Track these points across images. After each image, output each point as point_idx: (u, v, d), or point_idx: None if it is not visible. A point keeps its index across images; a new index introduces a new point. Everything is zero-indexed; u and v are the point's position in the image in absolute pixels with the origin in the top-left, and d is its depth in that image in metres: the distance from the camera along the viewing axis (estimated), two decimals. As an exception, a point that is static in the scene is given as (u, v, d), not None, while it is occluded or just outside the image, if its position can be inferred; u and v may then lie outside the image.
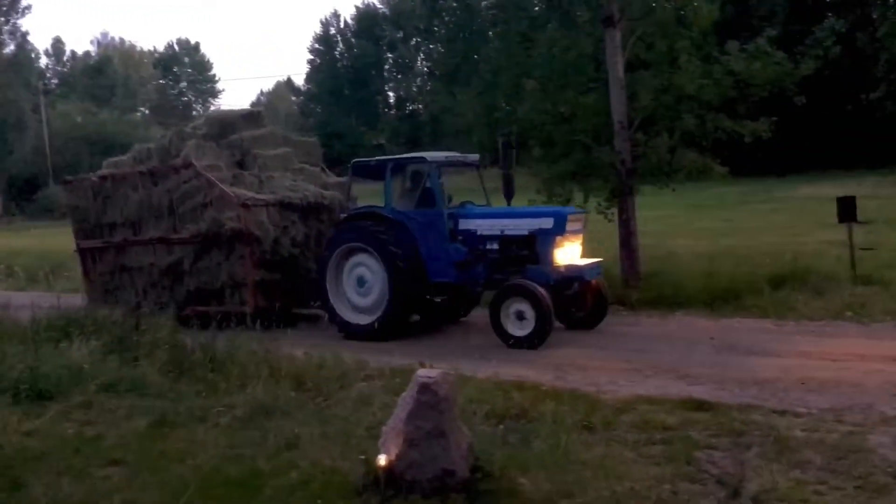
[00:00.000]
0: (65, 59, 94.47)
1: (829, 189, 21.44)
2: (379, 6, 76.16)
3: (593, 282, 10.89)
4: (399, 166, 11.92)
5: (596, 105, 13.92)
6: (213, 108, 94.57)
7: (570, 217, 10.79)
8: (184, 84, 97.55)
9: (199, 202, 12.64)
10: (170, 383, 7.89)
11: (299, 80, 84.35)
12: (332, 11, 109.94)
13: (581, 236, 11.03)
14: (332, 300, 11.63)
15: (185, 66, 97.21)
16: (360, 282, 11.45)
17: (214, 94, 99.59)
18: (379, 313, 11.14)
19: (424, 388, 4.94)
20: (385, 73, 75.92)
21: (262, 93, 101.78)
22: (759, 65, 12.93)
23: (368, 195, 12.95)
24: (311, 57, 77.27)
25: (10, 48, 67.54)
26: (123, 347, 8.82)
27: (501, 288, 10.40)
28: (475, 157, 12.66)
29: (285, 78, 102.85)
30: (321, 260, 11.90)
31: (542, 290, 9.97)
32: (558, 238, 10.51)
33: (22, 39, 69.96)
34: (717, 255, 14.61)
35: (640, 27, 13.81)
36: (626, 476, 5.19)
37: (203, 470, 5.53)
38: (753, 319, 11.09)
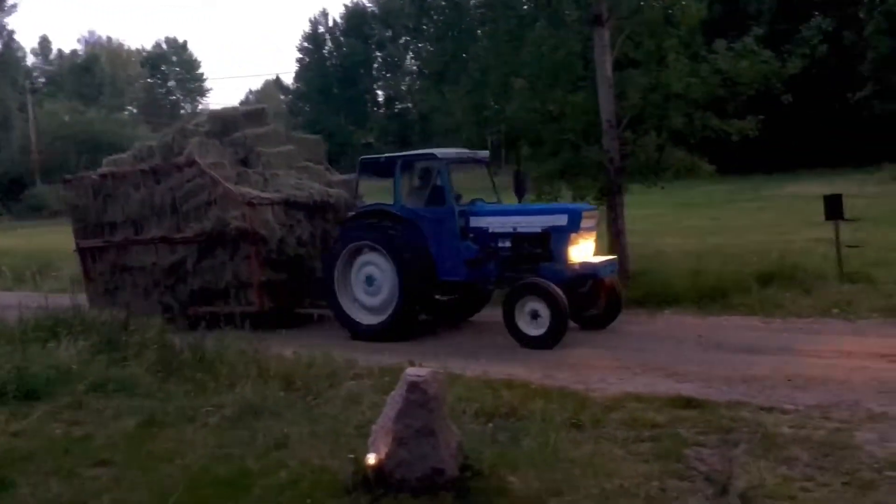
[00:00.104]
0: (52, 57, 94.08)
1: (816, 187, 21.54)
2: (368, 5, 76.11)
3: (606, 280, 10.74)
4: (408, 163, 11.73)
5: (584, 104, 13.96)
6: (201, 107, 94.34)
7: (584, 214, 10.63)
8: (172, 83, 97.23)
9: (202, 201, 12.43)
10: (158, 383, 7.87)
11: (288, 79, 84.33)
12: (321, 10, 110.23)
13: (594, 233, 10.92)
14: (339, 300, 11.45)
15: (173, 65, 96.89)
16: (369, 281, 11.26)
17: (202, 92, 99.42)
18: (389, 313, 10.99)
19: (414, 386, 4.94)
20: (374, 72, 75.80)
21: (250, 92, 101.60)
22: (746, 63, 12.99)
23: (372, 193, 12.74)
24: (300, 55, 77.18)
25: (-3, 47, 67.20)
26: (112, 347, 8.79)
27: (515, 286, 10.22)
28: (485, 153, 12.44)
29: (274, 77, 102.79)
30: (328, 259, 11.72)
31: (557, 289, 9.81)
32: (572, 235, 10.37)
33: (8, 38, 69.80)
34: (705, 253, 14.67)
35: (628, 26, 13.85)
36: (615, 473, 5.21)
37: (192, 470, 5.52)
38: (741, 317, 11.13)
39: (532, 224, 10.69)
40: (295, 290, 12.51)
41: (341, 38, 75.24)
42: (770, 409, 6.62)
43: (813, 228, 15.52)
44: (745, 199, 27.88)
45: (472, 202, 11.59)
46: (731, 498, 4.80)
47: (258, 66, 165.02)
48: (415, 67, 73.83)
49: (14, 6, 68.39)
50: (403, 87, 74.40)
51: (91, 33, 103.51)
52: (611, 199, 13.57)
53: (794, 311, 11.10)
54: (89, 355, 8.40)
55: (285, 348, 8.93)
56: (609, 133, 13.46)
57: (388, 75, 76.01)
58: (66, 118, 66.04)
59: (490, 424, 6.22)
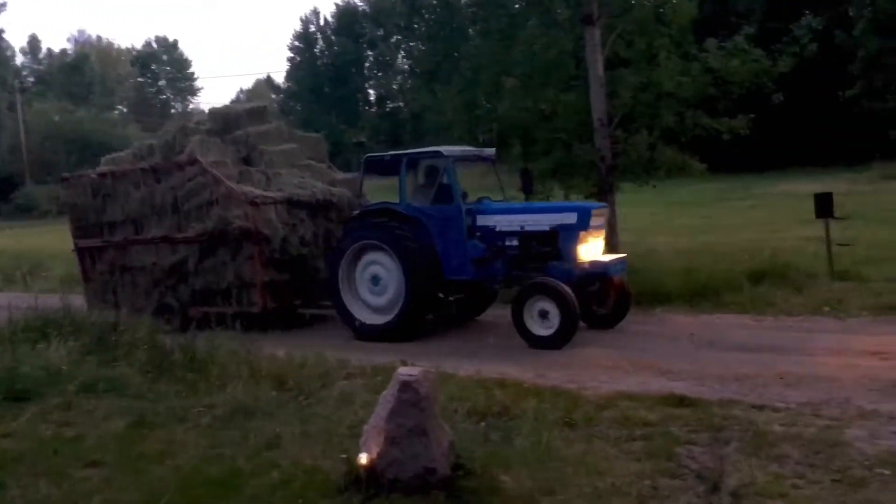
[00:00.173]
0: (41, 56, 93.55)
1: (807, 185, 21.62)
2: (359, 4, 75.95)
3: (615, 278, 10.60)
4: (414, 161, 11.56)
5: (576, 103, 14.00)
6: (191, 106, 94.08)
7: (593, 212, 10.50)
8: (162, 82, 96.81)
9: (204, 200, 12.25)
10: (149, 384, 7.82)
11: (279, 78, 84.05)
12: (312, 9, 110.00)
13: (604, 231, 10.80)
14: (344, 300, 11.30)
15: (164, 64, 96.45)
16: (375, 280, 11.10)
17: (193, 92, 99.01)
18: (395, 313, 10.85)
19: (406, 386, 4.94)
20: (365, 71, 75.64)
21: (241, 91, 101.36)
22: (736, 62, 13.06)
23: (373, 192, 12.62)
24: (291, 54, 77.02)
25: (-14, 46, 66.87)
26: (102, 348, 8.74)
27: (524, 286, 10.10)
28: (491, 151, 12.20)
29: (265, 76, 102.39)
30: (332, 258, 11.57)
31: (566, 288, 9.69)
32: (582, 233, 10.22)
33: (-3, 37, 69.28)
34: (697, 251, 14.72)
35: (619, 25, 13.90)
36: (607, 472, 5.21)
37: (183, 470, 5.50)
38: (733, 315, 11.17)
39: (540, 222, 10.55)
40: (298, 291, 12.36)
41: (332, 37, 75.08)
42: (761, 407, 6.64)
43: (804, 226, 15.60)
44: (737, 197, 27.97)
45: (479, 200, 11.43)
46: (723, 496, 4.81)
47: (249, 66, 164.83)
48: (406, 66, 73.72)
49: (3, 5, 68.42)
50: (395, 86, 74.29)
51: (81, 32, 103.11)
52: (603, 198, 13.59)
53: (785, 309, 11.14)
54: (79, 356, 8.35)
55: (277, 348, 8.91)
56: (601, 132, 13.48)
57: (379, 74, 75.90)
58: (56, 118, 65.74)
59: (482, 423, 6.22)
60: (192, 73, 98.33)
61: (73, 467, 5.73)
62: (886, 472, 5.12)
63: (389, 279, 10.95)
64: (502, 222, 10.80)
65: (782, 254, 13.68)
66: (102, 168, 14.22)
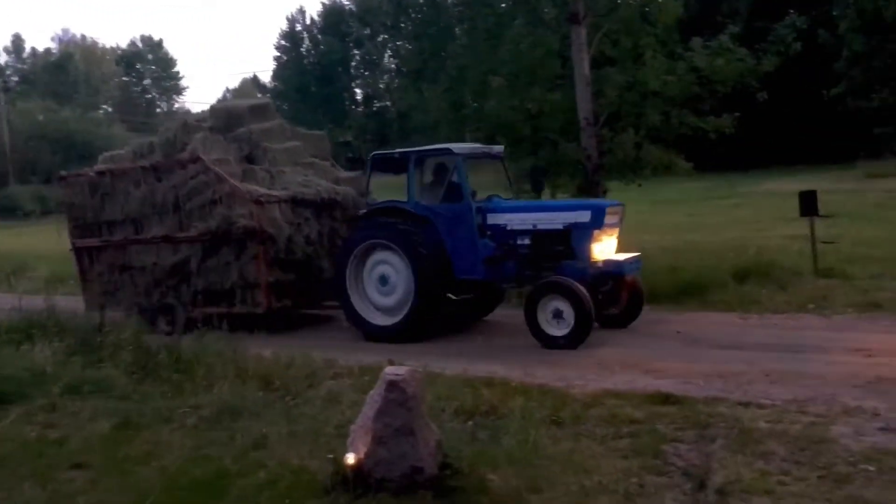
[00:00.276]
0: (25, 56, 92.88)
1: (792, 184, 21.76)
2: (345, 3, 75.75)
3: (628, 277, 10.43)
4: (422, 159, 11.35)
5: (562, 102, 14.04)
6: (177, 105, 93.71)
7: (608, 210, 10.28)
8: (147, 81, 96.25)
9: (207, 198, 12.00)
10: (134, 385, 7.77)
11: (266, 77, 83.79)
12: (298, 8, 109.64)
13: (618, 230, 10.63)
14: (352, 300, 11.13)
15: (149, 64, 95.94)
16: (383, 280, 10.92)
17: (179, 91, 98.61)
18: (404, 313, 10.69)
19: (393, 385, 4.93)
20: (352, 70, 75.51)
21: (227, 90, 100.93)
22: (722, 61, 13.13)
23: (377, 189, 12.49)
24: (278, 54, 76.81)
25: (-32, 45, 66.34)
26: (87, 349, 8.68)
27: (538, 285, 9.89)
28: (500, 148, 11.92)
29: (251, 75, 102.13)
30: (340, 258, 11.38)
31: (581, 287, 9.52)
32: (596, 232, 10.06)
33: (-20, 36, 68.69)
34: (682, 250, 14.75)
35: (605, 24, 13.95)
36: (594, 470, 5.22)
37: (169, 471, 5.47)
38: (718, 313, 11.20)
39: (553, 221, 10.36)
40: (302, 291, 12.20)
41: (319, 36, 74.91)
42: (747, 405, 6.66)
43: (788, 225, 15.69)
44: (722, 195, 28.12)
45: (489, 198, 11.24)
46: (709, 493, 4.83)
47: (235, 65, 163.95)
48: (393, 65, 73.65)
49: (-14, 4, 67.43)
50: (382, 86, 74.20)
51: (65, 31, 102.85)
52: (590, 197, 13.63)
53: (770, 307, 11.19)
54: (64, 357, 8.30)
55: (264, 349, 8.88)
56: (587, 131, 13.53)
57: (366, 73, 75.77)
58: (40, 117, 65.34)
59: (470, 423, 6.22)
60: (178, 73, 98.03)
61: (57, 469, 5.69)
62: (871, 468, 5.15)
63: (398, 279, 10.77)
64: (514, 221, 10.62)
65: (767, 252, 13.74)
66: (101, 166, 13.93)
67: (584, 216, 10.15)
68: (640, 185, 14.72)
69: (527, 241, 10.50)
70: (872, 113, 34.58)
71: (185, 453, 5.83)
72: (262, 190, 11.96)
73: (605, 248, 10.28)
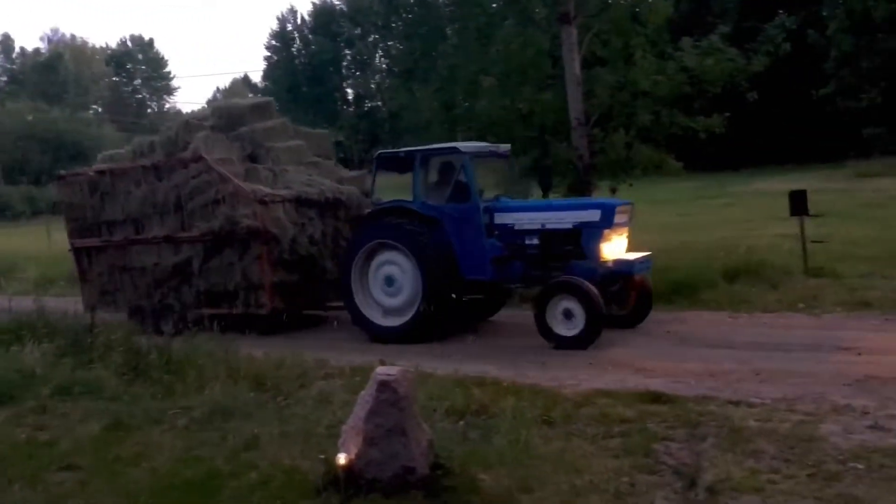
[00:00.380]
0: (14, 56, 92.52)
1: (782, 183, 21.83)
2: (336, 2, 75.78)
3: (637, 277, 10.35)
4: (427, 158, 11.20)
5: (553, 102, 14.06)
6: (168, 106, 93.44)
7: (618, 209, 10.16)
8: (137, 81, 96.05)
9: (210, 198, 11.84)
10: (125, 386, 7.75)
11: (257, 77, 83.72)
12: (289, 8, 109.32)
13: (628, 229, 10.54)
14: (357, 301, 10.98)
15: (139, 63, 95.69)
16: (389, 281, 10.77)
17: (169, 91, 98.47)
18: (410, 314, 10.55)
19: (384, 385, 4.93)
20: (343, 70, 75.45)
21: (218, 90, 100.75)
22: (712, 61, 13.18)
23: (381, 188, 12.44)
24: (269, 53, 76.67)
25: (-43, 45, 66.02)
26: (77, 350, 8.64)
27: (548, 285, 9.77)
28: (507, 147, 11.70)
29: (242, 75, 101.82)
30: (345, 258, 11.24)
31: (592, 287, 9.42)
32: (606, 231, 9.96)
33: (-31, 36, 68.42)
34: (673, 249, 14.76)
35: (595, 24, 13.98)
36: (585, 469, 5.23)
37: (159, 472, 5.47)
38: (709, 312, 11.24)
39: (562, 220, 10.27)
40: (306, 291, 12.10)
41: (310, 36, 74.87)
42: (737, 403, 6.69)
43: (779, 224, 15.72)
44: (712, 195, 28.17)
45: (496, 198, 11.16)
46: (699, 491, 4.84)
47: (226, 65, 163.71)
48: (384, 65, 73.74)
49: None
50: (373, 85, 74.23)
51: (54, 31, 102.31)
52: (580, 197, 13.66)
53: (760, 305, 11.23)
54: (54, 358, 8.27)
55: (255, 349, 8.86)
56: (578, 131, 13.55)
57: (357, 73, 75.76)
58: (30, 118, 65.04)
59: (461, 422, 6.21)
60: (168, 73, 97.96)
61: (47, 471, 5.67)
62: (860, 466, 5.18)
63: (405, 280, 10.64)
64: (522, 220, 10.53)
65: (757, 251, 13.78)
66: (100, 165, 13.79)
67: (595, 215, 10.06)
68: (630, 185, 14.76)
69: (535, 241, 10.42)
70: (861, 113, 34.75)
71: (177, 454, 5.82)
72: (266, 189, 11.80)
73: (615, 247, 10.21)
